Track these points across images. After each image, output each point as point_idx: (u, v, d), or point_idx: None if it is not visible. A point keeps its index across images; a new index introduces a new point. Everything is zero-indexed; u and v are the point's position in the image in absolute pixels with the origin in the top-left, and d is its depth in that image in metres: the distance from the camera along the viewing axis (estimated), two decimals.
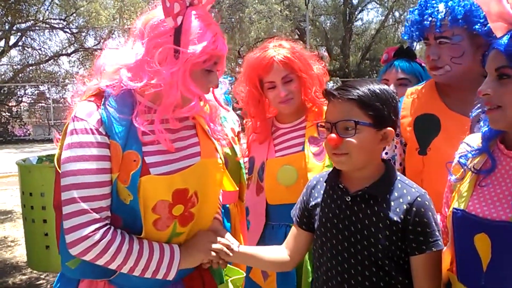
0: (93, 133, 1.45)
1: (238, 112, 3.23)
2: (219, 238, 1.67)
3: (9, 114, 23.18)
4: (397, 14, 26.63)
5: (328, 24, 27.49)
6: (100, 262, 1.44)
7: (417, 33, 1.94)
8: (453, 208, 1.43)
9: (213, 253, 1.62)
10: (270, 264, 1.75)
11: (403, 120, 2.09)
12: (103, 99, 1.51)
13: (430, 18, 1.86)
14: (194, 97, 1.53)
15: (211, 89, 1.62)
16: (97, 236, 1.41)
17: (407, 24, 2.01)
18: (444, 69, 1.89)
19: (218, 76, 1.61)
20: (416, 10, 1.94)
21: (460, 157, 1.51)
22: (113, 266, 1.46)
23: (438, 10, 1.82)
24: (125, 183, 1.46)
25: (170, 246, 1.56)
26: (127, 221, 1.51)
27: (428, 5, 1.87)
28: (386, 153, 2.20)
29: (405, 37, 2.02)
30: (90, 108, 1.49)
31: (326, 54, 25.90)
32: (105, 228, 1.44)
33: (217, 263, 1.66)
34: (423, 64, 2.73)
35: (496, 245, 1.30)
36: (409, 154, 2.06)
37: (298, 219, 1.71)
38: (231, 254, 1.65)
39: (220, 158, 1.72)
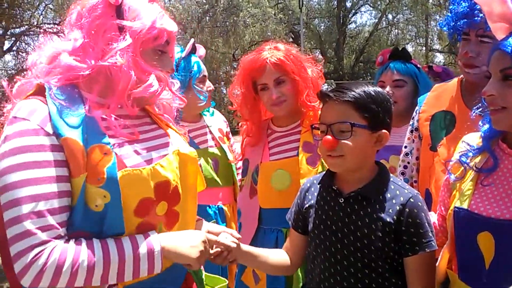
0: (37, 134, 1.22)
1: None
2: (218, 227, 1.62)
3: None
4: (390, 16, 26.67)
5: (322, 27, 27.49)
6: (61, 285, 1.19)
7: (463, 26, 1.87)
8: (455, 206, 1.44)
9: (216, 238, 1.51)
10: (273, 267, 1.70)
11: (422, 114, 2.10)
12: (46, 93, 1.29)
13: (481, 14, 1.78)
14: (148, 76, 1.37)
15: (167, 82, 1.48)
16: (42, 260, 1.17)
17: (449, 14, 1.95)
18: (481, 69, 1.86)
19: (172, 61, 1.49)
20: (463, 2, 1.86)
21: (460, 156, 1.52)
22: (79, 283, 1.21)
23: None
24: (99, 182, 1.24)
25: (144, 234, 1.32)
26: (97, 236, 1.28)
27: None
28: (406, 147, 2.21)
29: (445, 28, 1.96)
30: (34, 105, 1.26)
31: (320, 56, 25.94)
32: (50, 248, 1.18)
33: (225, 257, 1.55)
34: (418, 65, 2.75)
35: (500, 243, 1.31)
36: (422, 148, 2.09)
37: (293, 223, 1.71)
38: (235, 241, 1.55)
39: (193, 152, 1.58)
